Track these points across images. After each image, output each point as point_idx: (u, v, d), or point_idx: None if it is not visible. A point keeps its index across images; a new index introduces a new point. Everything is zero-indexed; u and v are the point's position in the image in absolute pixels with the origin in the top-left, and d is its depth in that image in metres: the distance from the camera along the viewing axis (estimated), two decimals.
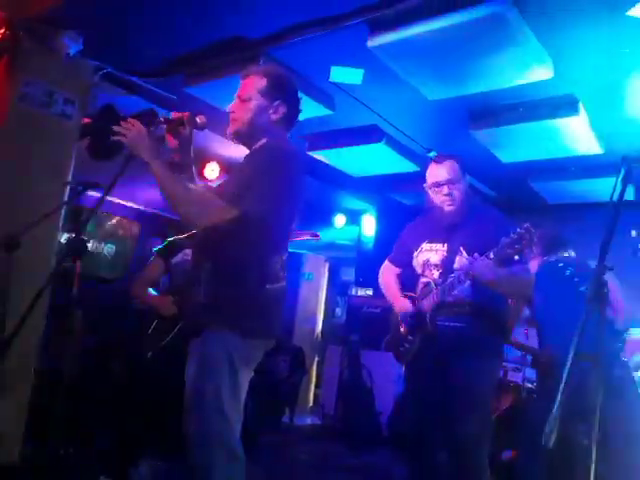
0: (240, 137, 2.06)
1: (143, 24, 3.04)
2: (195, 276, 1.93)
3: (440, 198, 2.64)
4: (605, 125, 3.60)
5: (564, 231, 4.08)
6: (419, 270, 2.70)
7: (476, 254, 2.41)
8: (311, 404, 7.53)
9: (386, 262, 2.95)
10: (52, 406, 4.17)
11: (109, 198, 6.64)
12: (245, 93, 2.05)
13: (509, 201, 5.29)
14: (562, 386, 1.74)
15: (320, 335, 7.97)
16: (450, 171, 2.63)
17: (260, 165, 1.91)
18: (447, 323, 2.54)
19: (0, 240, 2.78)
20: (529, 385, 4.31)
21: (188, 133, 2.09)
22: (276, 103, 2.05)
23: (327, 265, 8.59)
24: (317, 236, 6.39)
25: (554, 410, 1.42)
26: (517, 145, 3.95)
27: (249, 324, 1.87)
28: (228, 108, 2.07)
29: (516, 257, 2.36)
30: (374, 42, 2.83)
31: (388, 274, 2.91)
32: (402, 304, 2.69)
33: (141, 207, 6.95)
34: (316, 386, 7.66)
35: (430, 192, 2.68)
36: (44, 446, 3.73)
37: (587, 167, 4.24)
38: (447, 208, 2.63)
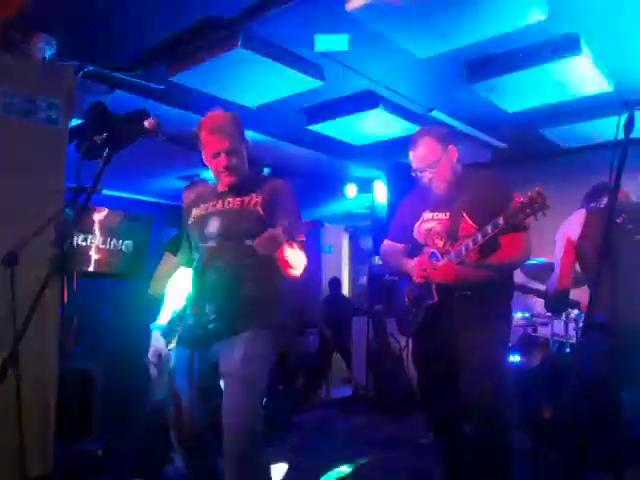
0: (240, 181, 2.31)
1: (114, 18, 2.93)
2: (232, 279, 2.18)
3: (426, 181, 2.54)
4: (611, 61, 3.37)
5: (580, 174, 3.91)
6: (422, 240, 2.58)
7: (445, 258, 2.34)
8: (345, 374, 7.52)
9: (386, 241, 2.83)
10: (84, 406, 4.24)
11: (119, 195, 6.62)
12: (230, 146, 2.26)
13: (521, 150, 5.09)
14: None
15: None
16: (427, 153, 2.50)
17: (296, 209, 2.28)
18: (454, 292, 2.44)
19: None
20: (558, 339, 4.19)
21: None
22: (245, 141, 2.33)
23: (347, 235, 8.50)
24: (321, 225, 6.27)
25: None
26: (521, 93, 3.74)
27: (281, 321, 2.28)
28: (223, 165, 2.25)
29: (527, 221, 2.23)
30: (352, 4, 2.67)
31: (391, 249, 2.80)
32: (413, 262, 2.58)
33: (152, 199, 6.95)
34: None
35: (417, 175, 2.59)
36: (78, 446, 3.80)
37: (598, 106, 4.01)
38: (435, 189, 2.53)
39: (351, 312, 6.80)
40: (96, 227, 6.43)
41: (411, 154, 2.58)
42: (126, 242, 6.66)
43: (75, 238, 6.22)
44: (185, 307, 2.29)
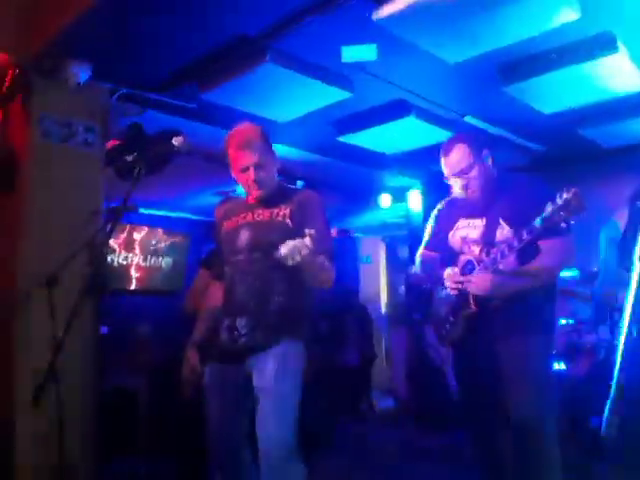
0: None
1: (147, 41, 2.97)
2: (263, 292, 2.19)
3: (460, 189, 2.47)
4: None
5: (624, 174, 3.78)
6: (457, 248, 2.52)
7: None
8: (386, 386, 7.42)
9: (421, 250, 2.79)
10: (128, 423, 4.27)
11: (158, 213, 6.68)
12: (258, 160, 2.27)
13: (560, 152, 4.96)
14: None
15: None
16: (460, 160, 2.44)
17: (324, 219, 2.29)
18: (492, 301, 2.36)
19: (40, 278, 2.83)
20: (605, 345, 4.04)
21: None
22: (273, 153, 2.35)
23: (384, 245, 8.42)
24: (349, 233, 6.24)
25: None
26: (558, 94, 3.63)
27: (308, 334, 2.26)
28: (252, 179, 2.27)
29: (563, 224, 2.16)
30: (380, 14, 2.64)
31: (426, 258, 2.75)
32: (449, 271, 2.53)
33: (190, 216, 7.03)
34: (389, 366, 7.55)
35: (450, 182, 2.53)
36: (122, 465, 3.83)
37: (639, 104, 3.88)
38: (470, 196, 2.47)
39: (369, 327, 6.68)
40: (136, 245, 6.56)
41: (443, 161, 2.53)
42: (165, 259, 6.77)
43: (116, 257, 6.37)
44: (217, 322, 2.29)
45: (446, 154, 2.50)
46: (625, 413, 2.28)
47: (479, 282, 2.32)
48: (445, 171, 2.53)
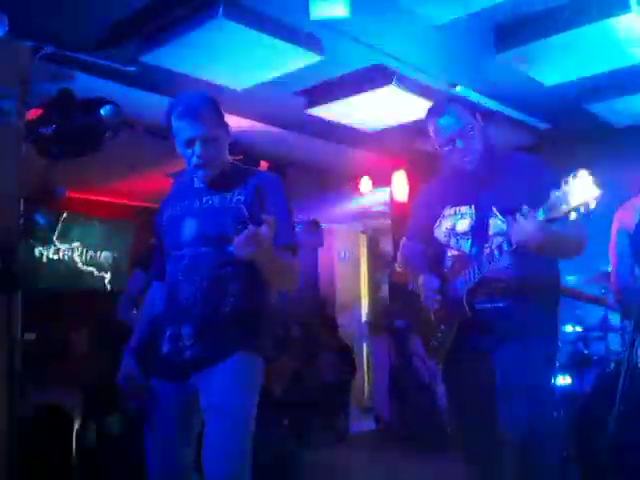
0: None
1: None
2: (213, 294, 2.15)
3: (457, 156, 2.42)
4: None
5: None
6: (444, 241, 2.52)
7: (518, 215, 2.18)
8: (366, 404, 7.45)
9: (404, 240, 2.79)
10: (56, 452, 4.19)
11: (96, 198, 6.56)
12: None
13: (565, 132, 5.01)
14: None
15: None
16: (457, 119, 2.39)
17: (286, 207, 2.25)
18: (488, 305, 2.36)
19: None
20: (615, 356, 4.09)
21: None
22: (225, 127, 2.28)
23: (365, 237, 8.43)
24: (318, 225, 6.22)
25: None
26: (560, 62, 3.68)
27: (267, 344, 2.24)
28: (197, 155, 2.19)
29: (573, 215, 2.09)
30: None
31: (410, 251, 2.75)
32: (427, 279, 2.50)
33: (136, 202, 6.97)
34: (370, 382, 7.59)
35: (443, 152, 2.46)
36: None
37: None
38: (468, 166, 2.42)
39: None
40: (69, 237, 6.48)
41: (436, 123, 2.44)
42: (104, 253, 6.72)
43: (45, 251, 6.29)
44: (157, 331, 2.25)
45: (439, 115, 2.43)
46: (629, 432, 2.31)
47: (530, 228, 2.11)
48: (439, 137, 2.44)
